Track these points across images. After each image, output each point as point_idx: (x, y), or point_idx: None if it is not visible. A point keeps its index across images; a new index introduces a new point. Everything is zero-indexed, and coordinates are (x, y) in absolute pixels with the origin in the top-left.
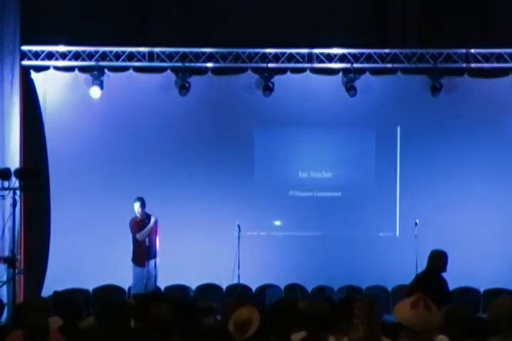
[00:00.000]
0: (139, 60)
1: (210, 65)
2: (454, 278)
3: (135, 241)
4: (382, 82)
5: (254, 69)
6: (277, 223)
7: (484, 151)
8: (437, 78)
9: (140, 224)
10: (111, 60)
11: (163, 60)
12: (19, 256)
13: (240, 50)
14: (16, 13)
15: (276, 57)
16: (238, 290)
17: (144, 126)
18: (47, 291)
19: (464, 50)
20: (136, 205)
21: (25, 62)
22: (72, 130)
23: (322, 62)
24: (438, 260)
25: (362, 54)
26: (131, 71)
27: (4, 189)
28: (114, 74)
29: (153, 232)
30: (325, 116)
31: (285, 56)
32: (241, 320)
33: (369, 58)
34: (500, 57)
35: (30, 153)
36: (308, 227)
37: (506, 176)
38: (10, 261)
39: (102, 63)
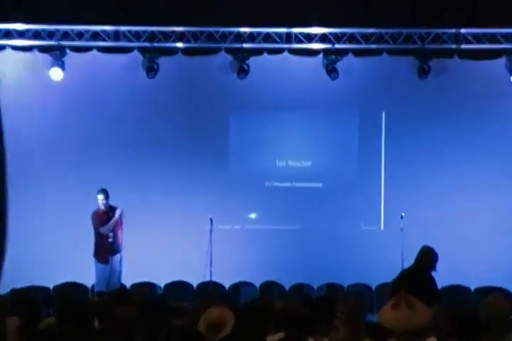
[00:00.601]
0: (103, 40)
1: (180, 44)
2: (443, 275)
3: (97, 236)
4: (366, 63)
5: (228, 50)
6: (252, 216)
7: (474, 138)
8: (425, 60)
9: (103, 216)
10: (73, 40)
11: (129, 40)
12: None
13: (212, 29)
14: None
15: (251, 37)
16: (210, 289)
17: (109, 111)
18: (3, 289)
19: (453, 30)
20: (100, 197)
21: None
22: (30, 114)
23: (301, 42)
24: (427, 257)
25: (344, 34)
26: (94, 51)
27: None
28: (77, 54)
29: (118, 225)
30: (304, 101)
31: (261, 36)
32: (212, 320)
33: (352, 38)
34: (492, 38)
35: None
36: (286, 220)
37: (496, 163)
38: None
39: (63, 43)
